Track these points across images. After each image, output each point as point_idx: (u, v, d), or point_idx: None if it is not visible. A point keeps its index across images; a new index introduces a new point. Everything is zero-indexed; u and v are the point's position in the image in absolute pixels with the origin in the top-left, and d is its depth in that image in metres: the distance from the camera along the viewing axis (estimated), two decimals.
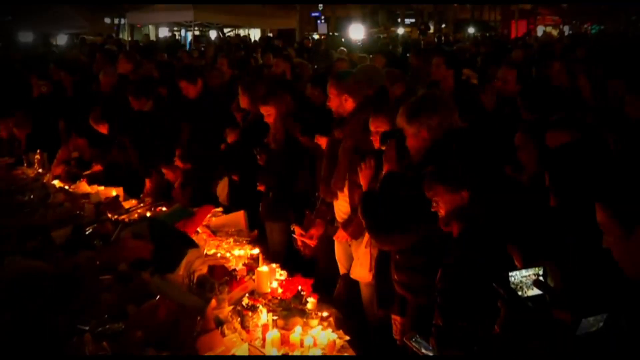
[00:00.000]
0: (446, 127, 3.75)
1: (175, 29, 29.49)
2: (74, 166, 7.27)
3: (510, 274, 2.19)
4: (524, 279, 2.19)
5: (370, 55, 11.65)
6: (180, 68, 8.61)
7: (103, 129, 7.42)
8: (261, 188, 5.94)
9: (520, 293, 2.18)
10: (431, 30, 35.06)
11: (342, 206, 5.02)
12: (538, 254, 2.29)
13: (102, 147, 7.56)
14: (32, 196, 5.96)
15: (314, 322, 3.66)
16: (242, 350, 3.22)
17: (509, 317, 2.18)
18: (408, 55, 12.36)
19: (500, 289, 2.19)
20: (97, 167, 7.37)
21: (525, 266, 2.22)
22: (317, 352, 3.25)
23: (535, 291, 2.18)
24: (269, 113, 5.78)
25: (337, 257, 5.25)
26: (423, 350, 2.85)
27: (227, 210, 5.92)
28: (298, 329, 3.50)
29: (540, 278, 2.19)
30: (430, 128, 3.73)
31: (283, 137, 5.76)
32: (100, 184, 6.61)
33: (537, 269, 2.20)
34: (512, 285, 2.18)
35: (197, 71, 7.88)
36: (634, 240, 1.86)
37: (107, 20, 29.88)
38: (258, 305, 3.76)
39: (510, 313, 2.17)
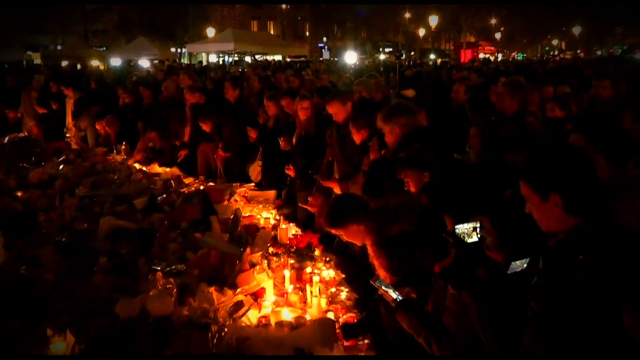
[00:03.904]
0: (412, 126, 3.72)
1: (220, 55, 29.47)
2: (149, 153, 7.27)
3: (455, 226, 2.19)
4: (466, 230, 2.18)
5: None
6: (229, 77, 8.56)
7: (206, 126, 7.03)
8: (289, 172, 5.69)
9: (464, 240, 2.19)
10: (403, 57, 34.81)
11: None
12: (473, 212, 2.27)
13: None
14: (120, 175, 5.96)
15: (320, 264, 3.66)
16: (269, 284, 3.22)
17: (458, 256, 2.20)
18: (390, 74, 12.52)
19: (449, 237, 2.21)
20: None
21: (467, 220, 2.20)
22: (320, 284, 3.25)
23: (474, 238, 2.18)
24: (306, 107, 5.58)
25: None
26: (383, 288, 2.81)
27: (258, 186, 5.91)
28: (308, 269, 3.51)
29: (478, 229, 2.19)
30: (400, 126, 3.70)
31: (314, 128, 5.58)
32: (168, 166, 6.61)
33: (475, 223, 2.19)
34: (457, 235, 2.18)
35: (240, 81, 7.85)
36: (548, 204, 1.86)
37: (172, 49, 30.07)
38: (280, 252, 3.76)
39: (459, 254, 2.19)
